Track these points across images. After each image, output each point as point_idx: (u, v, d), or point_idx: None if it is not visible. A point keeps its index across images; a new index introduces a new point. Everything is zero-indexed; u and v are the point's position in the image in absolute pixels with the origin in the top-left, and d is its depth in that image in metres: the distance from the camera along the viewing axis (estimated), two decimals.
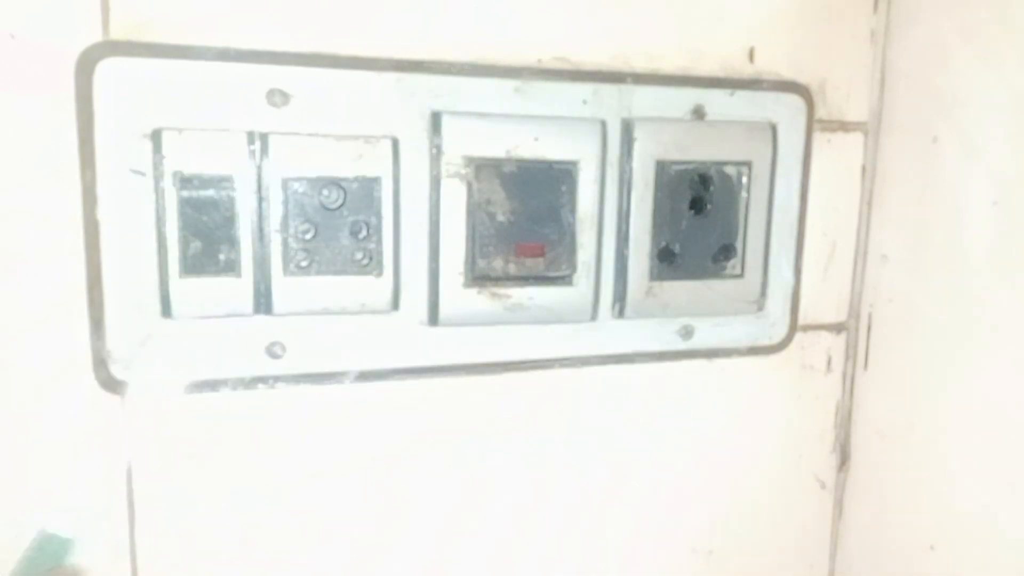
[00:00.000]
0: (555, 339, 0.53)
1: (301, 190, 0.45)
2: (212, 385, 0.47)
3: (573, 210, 0.50)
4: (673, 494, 0.58)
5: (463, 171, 0.48)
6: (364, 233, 0.47)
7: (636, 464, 0.57)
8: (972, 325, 0.52)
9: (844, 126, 0.58)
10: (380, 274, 0.47)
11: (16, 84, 0.42)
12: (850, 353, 0.61)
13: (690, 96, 0.53)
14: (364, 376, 0.50)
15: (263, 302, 0.46)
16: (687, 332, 0.56)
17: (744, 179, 0.54)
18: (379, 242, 0.47)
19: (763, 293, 0.56)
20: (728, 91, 0.54)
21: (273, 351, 0.48)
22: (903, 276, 0.57)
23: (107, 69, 0.43)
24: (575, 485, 0.56)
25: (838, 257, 0.59)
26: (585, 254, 0.51)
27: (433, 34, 0.48)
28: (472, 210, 0.48)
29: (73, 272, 0.44)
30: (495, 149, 0.48)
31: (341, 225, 0.46)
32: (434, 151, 0.48)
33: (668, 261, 0.53)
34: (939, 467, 0.54)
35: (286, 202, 0.45)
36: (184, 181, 0.44)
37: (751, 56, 0.55)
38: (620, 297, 0.53)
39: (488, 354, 0.52)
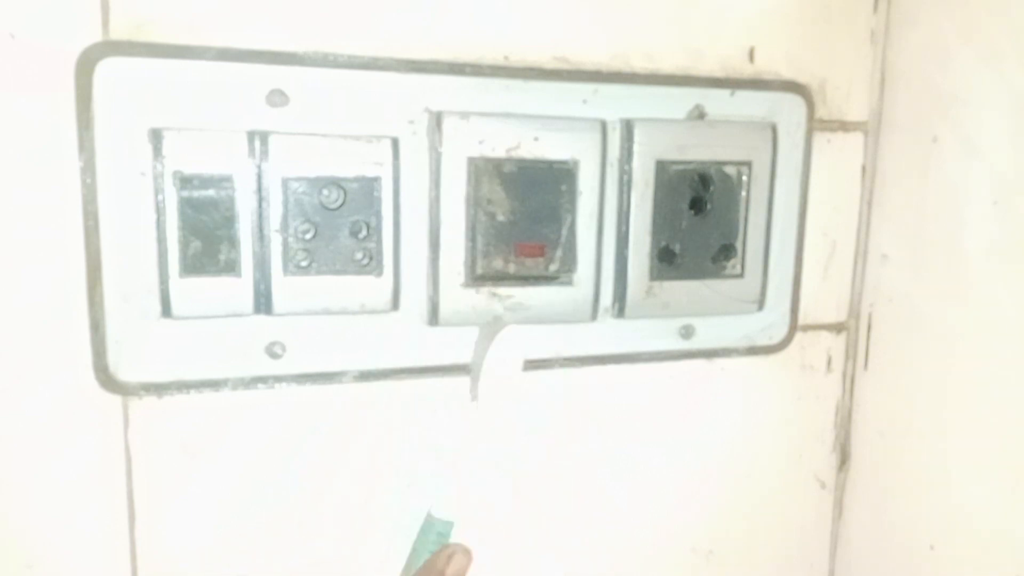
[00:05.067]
0: (555, 339, 0.53)
1: (301, 190, 0.45)
2: (212, 385, 0.47)
3: (573, 210, 0.50)
4: (673, 494, 0.58)
5: (463, 171, 0.48)
6: (364, 233, 0.47)
7: (636, 464, 0.57)
8: (972, 325, 0.52)
9: (844, 126, 0.58)
10: (380, 274, 0.47)
11: (16, 84, 0.42)
12: (850, 353, 0.61)
13: (690, 96, 0.53)
14: (364, 376, 0.50)
15: (263, 302, 0.46)
16: (687, 332, 0.56)
17: (744, 179, 0.54)
18: (379, 242, 0.47)
19: (763, 293, 0.56)
20: (728, 91, 0.54)
21: (273, 351, 0.48)
22: (903, 276, 0.57)
23: (107, 69, 0.43)
24: (575, 485, 0.56)
25: (838, 257, 0.59)
26: (585, 254, 0.51)
27: (433, 34, 0.48)
28: (472, 210, 0.48)
29: (73, 272, 0.44)
30: (495, 149, 0.48)
31: (341, 225, 0.46)
32: (434, 151, 0.48)
33: (668, 261, 0.53)
34: (939, 467, 0.54)
35: (286, 202, 0.45)
36: (184, 181, 0.44)
37: (751, 56, 0.55)
38: (620, 297, 0.53)
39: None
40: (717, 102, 0.53)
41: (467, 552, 0.45)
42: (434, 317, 0.49)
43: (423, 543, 0.47)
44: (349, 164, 0.46)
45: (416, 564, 0.46)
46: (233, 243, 0.45)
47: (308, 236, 0.46)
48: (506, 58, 0.50)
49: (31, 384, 0.44)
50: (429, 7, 0.48)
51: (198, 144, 0.44)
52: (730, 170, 0.53)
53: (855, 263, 0.60)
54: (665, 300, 0.53)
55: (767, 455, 0.60)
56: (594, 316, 0.52)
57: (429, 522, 0.47)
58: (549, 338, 0.53)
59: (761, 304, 0.56)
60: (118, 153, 0.43)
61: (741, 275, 0.55)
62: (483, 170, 0.48)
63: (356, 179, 0.46)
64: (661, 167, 0.52)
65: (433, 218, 0.48)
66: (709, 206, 0.53)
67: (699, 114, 0.53)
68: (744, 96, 0.54)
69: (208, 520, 0.48)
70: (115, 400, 0.46)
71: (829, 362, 0.61)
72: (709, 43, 0.53)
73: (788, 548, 0.62)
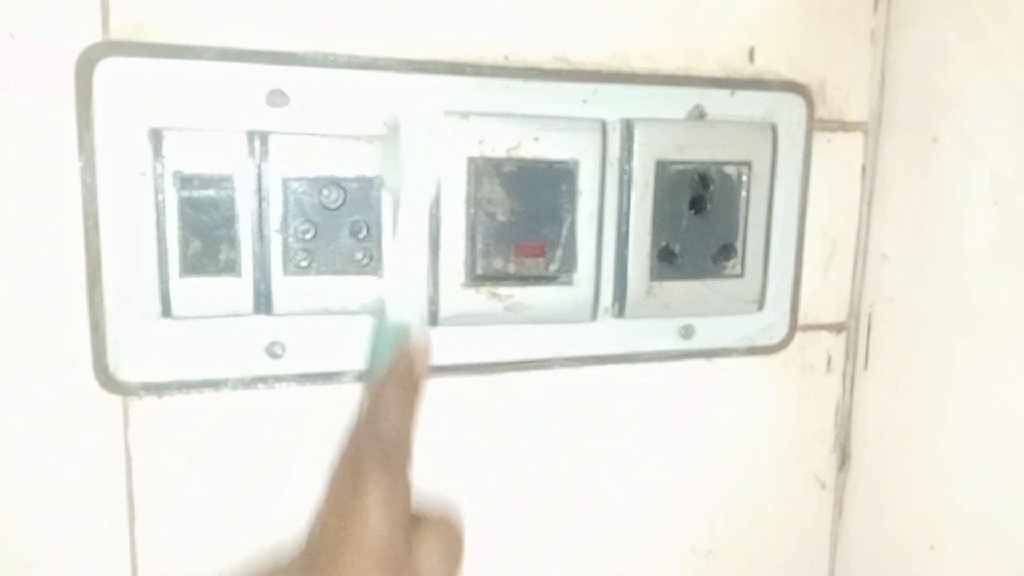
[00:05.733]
0: (555, 339, 0.53)
1: (301, 190, 0.45)
2: (212, 385, 0.47)
3: (573, 210, 0.50)
4: (673, 494, 0.58)
5: (463, 171, 0.48)
6: (364, 233, 0.47)
7: (636, 464, 0.57)
8: (972, 325, 0.52)
9: (844, 126, 0.58)
10: (380, 274, 0.47)
11: (16, 84, 0.42)
12: (850, 353, 0.61)
13: (690, 96, 0.53)
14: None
15: (263, 302, 0.46)
16: (687, 332, 0.56)
17: (744, 179, 0.54)
18: (379, 242, 0.47)
19: (763, 293, 0.56)
20: (728, 91, 0.54)
21: (273, 351, 0.48)
22: (903, 276, 0.57)
23: (107, 69, 0.43)
24: (574, 485, 0.56)
25: (838, 257, 0.59)
26: (585, 254, 0.51)
27: (433, 34, 0.48)
28: (472, 210, 0.48)
29: (73, 272, 0.44)
30: (495, 149, 0.48)
31: (341, 225, 0.46)
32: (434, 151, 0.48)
33: (668, 261, 0.53)
34: (939, 467, 0.54)
35: (286, 202, 0.45)
36: (184, 181, 0.44)
37: (751, 56, 0.55)
38: (620, 297, 0.53)
39: (488, 354, 0.52)
40: (717, 102, 0.53)
41: (422, 348, 0.39)
42: (434, 317, 0.49)
43: (381, 346, 0.40)
44: (349, 164, 0.46)
45: (377, 367, 0.39)
46: (233, 243, 0.45)
47: (308, 236, 0.46)
48: (506, 58, 0.50)
49: (31, 384, 0.44)
50: (429, 7, 0.48)
51: (198, 144, 0.44)
52: (730, 170, 0.53)
53: (855, 263, 0.60)
54: (665, 300, 0.53)
55: (767, 455, 0.60)
56: (594, 316, 0.52)
57: (382, 323, 0.40)
58: (549, 338, 0.53)
59: (761, 304, 0.56)
60: (118, 153, 0.43)
61: (741, 275, 0.55)
62: (483, 170, 0.48)
63: (356, 179, 0.46)
64: (661, 167, 0.52)
65: (433, 218, 0.48)
66: (709, 206, 0.53)
67: (699, 114, 0.53)
68: (744, 96, 0.54)
69: (208, 520, 0.48)
70: (115, 400, 0.46)
71: (829, 362, 0.61)
72: (709, 43, 0.53)
73: (788, 548, 0.62)
